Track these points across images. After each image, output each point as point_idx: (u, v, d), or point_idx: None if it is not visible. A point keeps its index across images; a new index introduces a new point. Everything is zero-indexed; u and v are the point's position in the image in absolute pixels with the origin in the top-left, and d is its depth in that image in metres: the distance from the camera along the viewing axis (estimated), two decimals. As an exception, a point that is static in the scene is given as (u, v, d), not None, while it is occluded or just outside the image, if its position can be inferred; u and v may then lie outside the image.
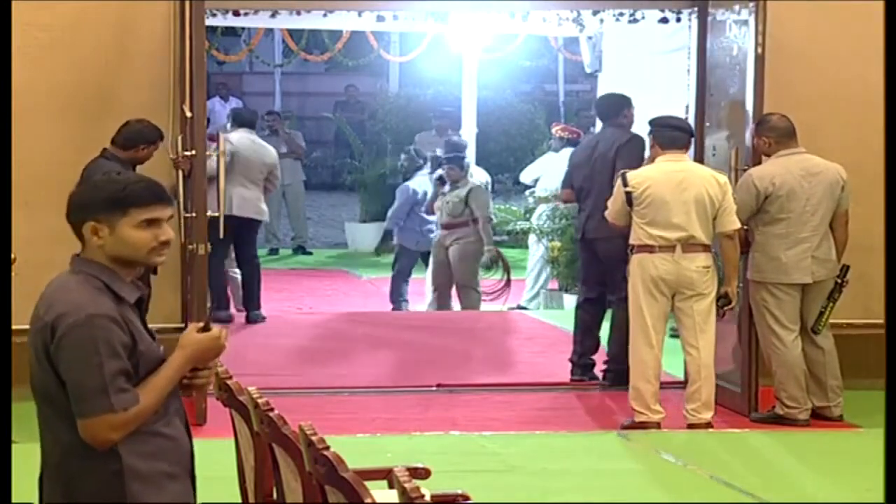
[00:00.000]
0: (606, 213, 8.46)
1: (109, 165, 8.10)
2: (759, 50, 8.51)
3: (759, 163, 8.57)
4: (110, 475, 3.72)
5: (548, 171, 13.24)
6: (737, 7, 8.80)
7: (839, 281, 8.46)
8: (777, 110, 8.55)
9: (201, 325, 3.86)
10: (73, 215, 3.80)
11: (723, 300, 8.22)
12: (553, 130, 13.50)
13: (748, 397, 8.65)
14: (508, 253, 13.48)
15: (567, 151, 13.09)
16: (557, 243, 12.71)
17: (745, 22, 8.66)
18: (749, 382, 8.66)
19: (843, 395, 8.60)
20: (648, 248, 8.17)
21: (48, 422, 3.76)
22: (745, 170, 8.58)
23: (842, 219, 8.49)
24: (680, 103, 9.92)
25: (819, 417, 8.52)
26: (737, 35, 8.79)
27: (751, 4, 8.57)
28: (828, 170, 8.46)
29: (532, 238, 13.16)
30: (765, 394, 8.70)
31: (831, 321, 8.57)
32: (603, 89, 13.01)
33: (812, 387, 8.52)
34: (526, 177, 13.58)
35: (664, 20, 10.08)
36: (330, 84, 22.72)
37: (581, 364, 9.57)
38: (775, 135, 8.44)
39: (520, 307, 12.99)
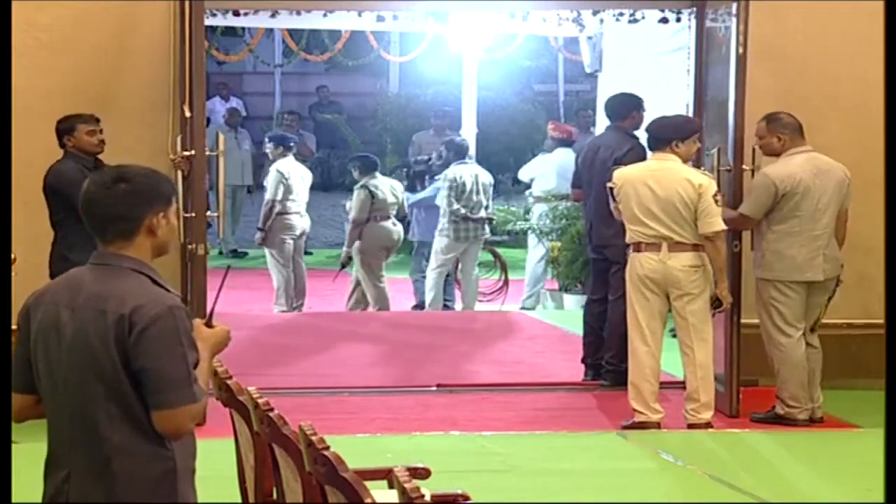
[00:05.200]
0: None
1: (72, 166, 8.08)
2: (741, 50, 8.53)
3: (742, 163, 8.57)
4: (162, 474, 3.74)
5: (541, 172, 13.29)
6: (726, 7, 8.80)
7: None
8: (776, 110, 8.56)
9: (204, 320, 3.98)
10: (133, 209, 3.78)
11: (715, 302, 8.21)
12: (549, 129, 13.56)
13: (729, 397, 8.64)
14: (508, 253, 13.50)
15: (561, 151, 13.19)
16: (557, 243, 12.71)
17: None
18: (730, 382, 8.65)
19: (845, 395, 8.62)
20: (636, 247, 8.19)
21: (97, 423, 3.70)
22: (728, 170, 8.59)
23: (842, 217, 8.50)
24: (680, 103, 9.92)
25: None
26: (724, 35, 8.80)
27: (733, 5, 8.59)
28: (835, 168, 8.47)
29: (532, 239, 13.16)
30: (746, 394, 8.70)
31: (831, 321, 8.59)
32: (603, 89, 13.01)
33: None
34: (523, 175, 13.63)
35: (664, 20, 10.07)
36: (330, 84, 22.71)
37: (592, 365, 9.58)
38: (789, 132, 8.45)
39: (523, 308, 13.00)
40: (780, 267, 8.38)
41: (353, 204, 12.16)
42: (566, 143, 13.30)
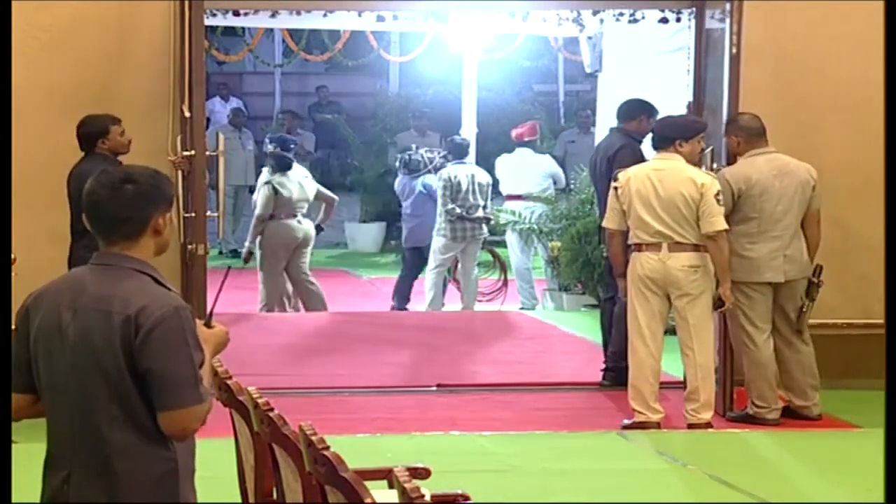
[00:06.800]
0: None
1: (103, 168, 8.03)
2: (734, 50, 8.55)
3: (733, 163, 8.58)
4: (165, 474, 3.74)
5: (501, 173, 13.37)
6: (723, 7, 8.81)
7: (815, 280, 8.45)
8: (776, 110, 8.57)
9: (203, 322, 3.98)
10: (141, 210, 3.78)
11: (718, 302, 8.20)
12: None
13: (723, 396, 8.64)
14: (508, 253, 13.48)
15: (522, 151, 13.28)
16: (557, 243, 12.71)
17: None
18: (724, 381, 8.65)
19: (845, 395, 8.61)
20: (637, 247, 8.19)
21: (99, 424, 3.69)
22: (719, 170, 8.60)
23: (813, 218, 8.47)
24: (680, 103, 9.91)
25: (799, 417, 8.51)
26: (723, 35, 8.80)
27: (727, 5, 8.59)
28: (799, 169, 8.44)
29: (514, 238, 13.15)
30: (741, 394, 8.71)
31: (831, 321, 8.57)
32: (603, 89, 13.03)
33: (791, 386, 8.52)
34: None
35: (664, 20, 10.06)
36: (330, 84, 22.70)
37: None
38: (745, 134, 8.44)
39: (523, 308, 13.01)
40: (739, 268, 8.33)
41: (257, 200, 12.20)
42: (524, 143, 13.38)
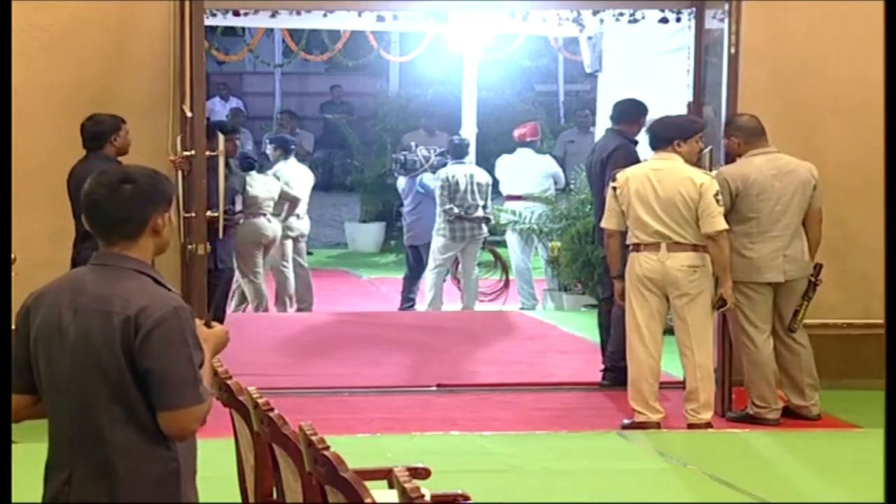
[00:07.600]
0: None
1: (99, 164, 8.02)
2: (732, 50, 8.55)
3: (732, 163, 8.58)
4: (166, 474, 3.74)
5: (501, 173, 13.39)
6: (723, 7, 8.82)
7: (813, 280, 8.45)
8: (776, 110, 8.57)
9: (203, 322, 3.98)
10: (139, 210, 3.78)
11: (720, 302, 8.20)
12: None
13: (721, 396, 8.65)
14: (509, 254, 13.49)
15: (523, 152, 13.30)
16: (557, 243, 12.71)
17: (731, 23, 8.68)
18: (722, 381, 8.65)
19: (845, 395, 8.60)
20: (636, 247, 8.19)
21: (100, 424, 3.69)
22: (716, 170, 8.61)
23: (815, 217, 8.46)
24: (680, 103, 9.92)
25: (798, 417, 8.51)
26: (722, 35, 8.80)
27: (725, 5, 8.59)
28: (800, 168, 8.43)
29: (514, 238, 13.15)
30: (739, 394, 8.71)
31: (831, 321, 8.57)
32: (603, 89, 13.04)
33: (790, 386, 8.52)
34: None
35: (664, 20, 10.06)
36: (330, 84, 22.71)
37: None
38: (743, 135, 8.44)
39: (523, 308, 13.02)
40: (739, 268, 8.32)
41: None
42: (525, 144, 13.40)
